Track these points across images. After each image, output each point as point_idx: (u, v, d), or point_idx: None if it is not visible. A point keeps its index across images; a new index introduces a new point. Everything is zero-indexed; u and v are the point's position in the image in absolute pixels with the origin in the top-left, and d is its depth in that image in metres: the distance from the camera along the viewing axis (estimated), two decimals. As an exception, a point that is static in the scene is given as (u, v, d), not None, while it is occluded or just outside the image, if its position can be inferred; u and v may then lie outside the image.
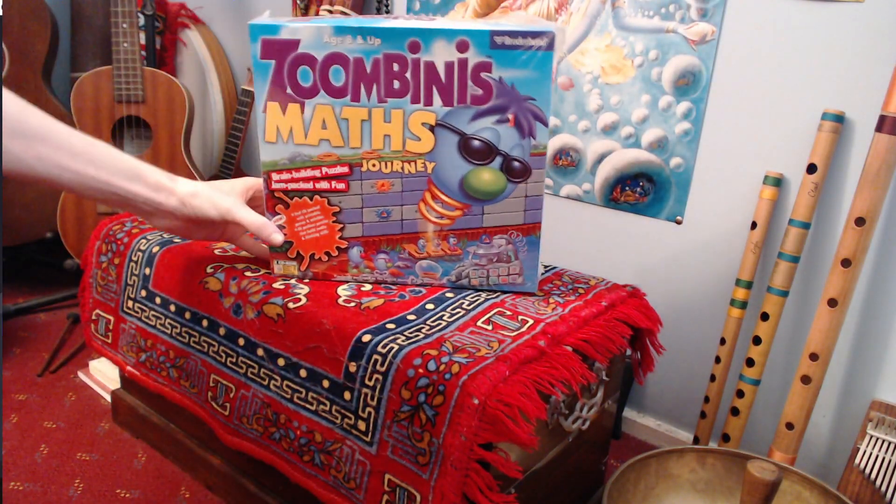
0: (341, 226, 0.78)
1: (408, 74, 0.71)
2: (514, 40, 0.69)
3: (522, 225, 0.77)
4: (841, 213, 0.99)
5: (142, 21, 1.60)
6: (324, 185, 0.76)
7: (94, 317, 1.05)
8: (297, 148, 0.75)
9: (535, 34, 0.68)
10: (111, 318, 1.01)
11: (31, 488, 0.99)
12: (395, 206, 0.77)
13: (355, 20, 0.70)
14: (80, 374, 1.30)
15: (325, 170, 0.76)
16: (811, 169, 0.97)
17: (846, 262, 0.91)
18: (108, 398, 1.20)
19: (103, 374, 1.26)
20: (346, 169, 0.75)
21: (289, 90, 0.73)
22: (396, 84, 0.71)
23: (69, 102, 1.49)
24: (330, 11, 1.47)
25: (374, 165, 0.75)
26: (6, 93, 0.57)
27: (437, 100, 0.72)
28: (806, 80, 0.99)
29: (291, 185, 0.77)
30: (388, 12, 1.50)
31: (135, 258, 0.96)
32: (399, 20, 0.71)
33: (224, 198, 0.75)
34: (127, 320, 0.98)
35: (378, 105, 0.72)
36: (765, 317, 1.03)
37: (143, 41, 1.62)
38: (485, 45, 0.69)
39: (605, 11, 1.16)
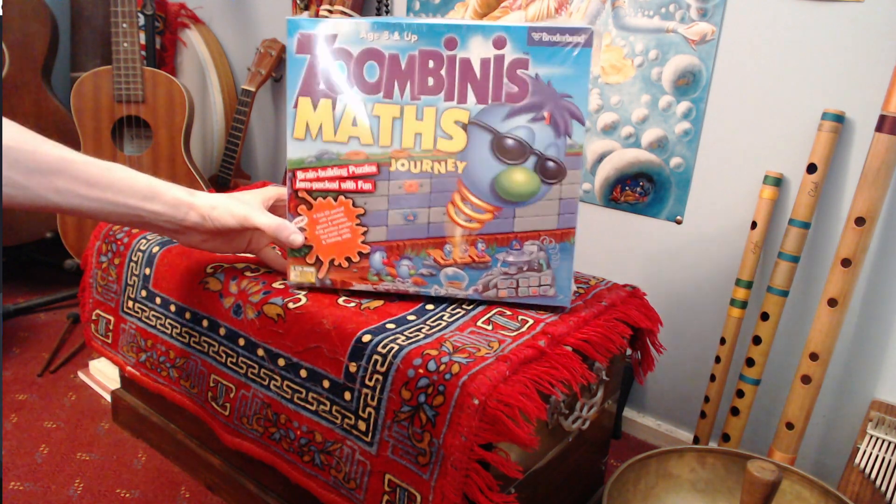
0: (365, 229, 0.75)
1: (443, 71, 0.70)
2: (552, 37, 0.68)
3: (556, 230, 0.73)
4: (841, 213, 0.99)
5: (142, 21, 1.60)
6: (350, 185, 0.74)
7: (94, 317, 1.05)
8: (326, 146, 0.73)
9: (574, 31, 0.68)
10: (111, 318, 1.01)
11: (31, 488, 0.99)
12: (422, 208, 0.74)
13: (394, 18, 0.72)
14: (80, 374, 1.30)
15: (352, 169, 0.73)
16: (811, 169, 0.97)
17: (846, 262, 0.91)
18: (108, 398, 1.20)
19: (103, 374, 1.26)
20: (373, 168, 0.73)
21: (321, 85, 0.72)
22: (431, 81, 0.71)
23: (69, 102, 1.49)
24: (330, 11, 1.47)
25: (402, 165, 0.73)
26: (19, 129, 0.58)
27: (471, 97, 0.71)
28: (806, 80, 0.99)
29: (316, 185, 0.75)
30: (388, 12, 1.50)
31: (135, 258, 0.96)
32: (438, 18, 0.72)
33: (241, 205, 0.74)
34: (127, 320, 0.98)
35: (411, 102, 0.71)
36: (765, 317, 1.03)
37: (143, 41, 1.62)
38: (522, 41, 0.69)
39: (605, 11, 1.16)
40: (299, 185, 0.75)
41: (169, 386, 0.94)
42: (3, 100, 1.55)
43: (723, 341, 1.09)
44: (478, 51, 0.69)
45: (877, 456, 0.95)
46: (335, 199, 0.75)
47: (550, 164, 0.71)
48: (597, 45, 0.64)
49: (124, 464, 1.06)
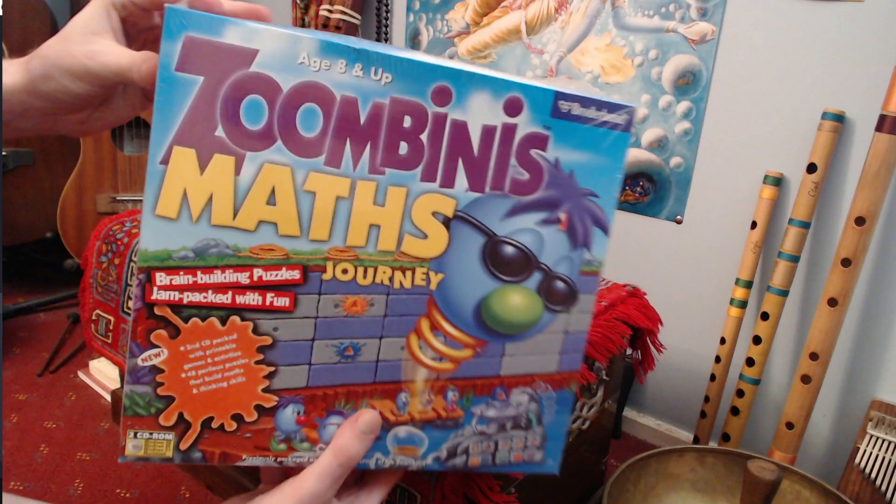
0: (270, 370, 0.47)
1: (424, 136, 0.47)
2: (586, 110, 0.50)
3: (555, 374, 0.53)
4: (841, 213, 0.99)
5: (142, 21, 1.60)
6: (252, 298, 0.47)
7: (94, 317, 1.05)
8: (215, 232, 0.45)
9: (613, 107, 0.50)
10: (111, 318, 1.01)
11: (31, 488, 0.99)
12: (369, 338, 0.49)
13: (356, 40, 0.48)
14: (80, 374, 1.30)
15: (258, 273, 0.46)
16: (811, 168, 0.97)
17: (846, 262, 0.91)
18: (108, 398, 1.20)
19: (103, 374, 1.26)
20: (296, 274, 0.47)
21: (220, 131, 0.43)
22: (404, 148, 0.47)
23: (69, 102, 1.49)
24: (330, 11, 1.47)
25: (345, 272, 0.48)
26: None
27: (461, 180, 0.49)
28: (806, 80, 0.99)
29: (191, 297, 0.45)
30: (388, 11, 1.50)
31: (135, 258, 0.96)
32: (425, 55, 0.49)
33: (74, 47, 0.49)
34: (127, 320, 0.98)
35: (369, 177, 0.47)
36: (765, 316, 1.03)
37: (142, 41, 1.62)
38: (545, 109, 0.49)
39: (605, 11, 1.16)
40: (158, 295, 0.45)
41: (169, 386, 0.94)
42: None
43: (723, 341, 1.09)
44: (481, 113, 0.48)
45: (877, 456, 0.95)
46: (222, 323, 0.46)
47: (560, 284, 0.52)
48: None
49: (124, 464, 1.05)
